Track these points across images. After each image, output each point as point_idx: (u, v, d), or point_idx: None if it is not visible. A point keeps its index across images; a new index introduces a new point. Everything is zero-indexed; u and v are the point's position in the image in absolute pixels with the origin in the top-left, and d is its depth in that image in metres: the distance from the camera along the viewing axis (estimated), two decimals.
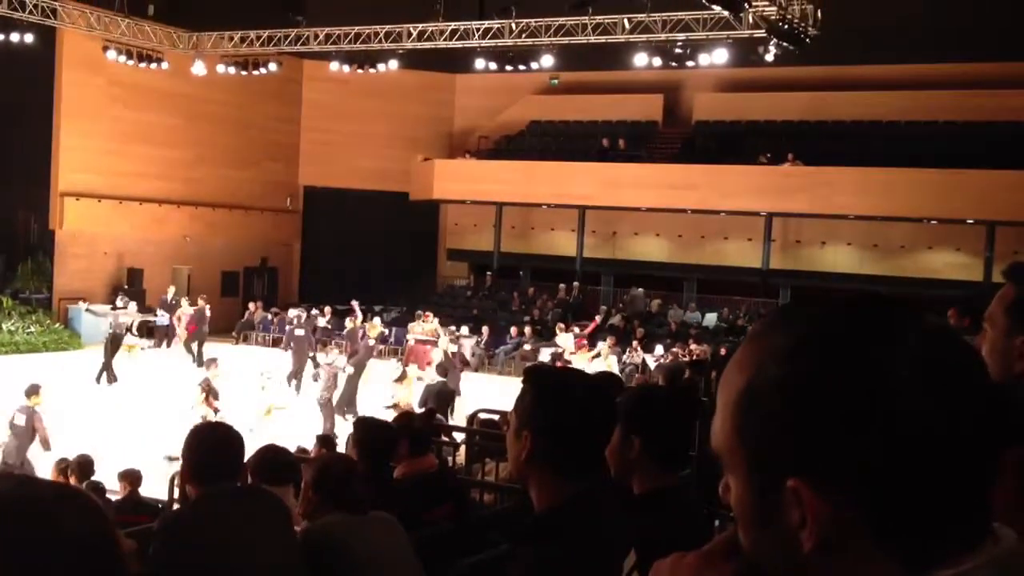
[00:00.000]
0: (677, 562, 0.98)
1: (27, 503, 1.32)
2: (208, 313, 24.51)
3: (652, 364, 21.14)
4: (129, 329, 22.75)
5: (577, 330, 24.42)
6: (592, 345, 22.91)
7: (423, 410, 11.67)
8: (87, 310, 24.87)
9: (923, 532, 0.87)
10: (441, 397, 13.97)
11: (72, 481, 9.02)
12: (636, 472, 2.87)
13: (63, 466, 9.89)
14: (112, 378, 20.83)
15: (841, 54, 25.76)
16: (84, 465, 9.71)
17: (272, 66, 27.89)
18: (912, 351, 0.89)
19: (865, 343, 0.89)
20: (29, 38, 23.98)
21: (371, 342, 19.90)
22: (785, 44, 21.25)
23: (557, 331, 24.08)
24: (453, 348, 20.06)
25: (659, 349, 22.70)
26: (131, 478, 9.29)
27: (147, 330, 25.42)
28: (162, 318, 25.29)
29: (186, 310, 24.48)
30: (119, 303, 24.09)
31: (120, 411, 17.80)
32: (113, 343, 21.23)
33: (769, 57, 21.97)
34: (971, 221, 24.82)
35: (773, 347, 0.92)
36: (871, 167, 24.94)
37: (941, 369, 0.89)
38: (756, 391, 0.92)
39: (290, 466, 5.05)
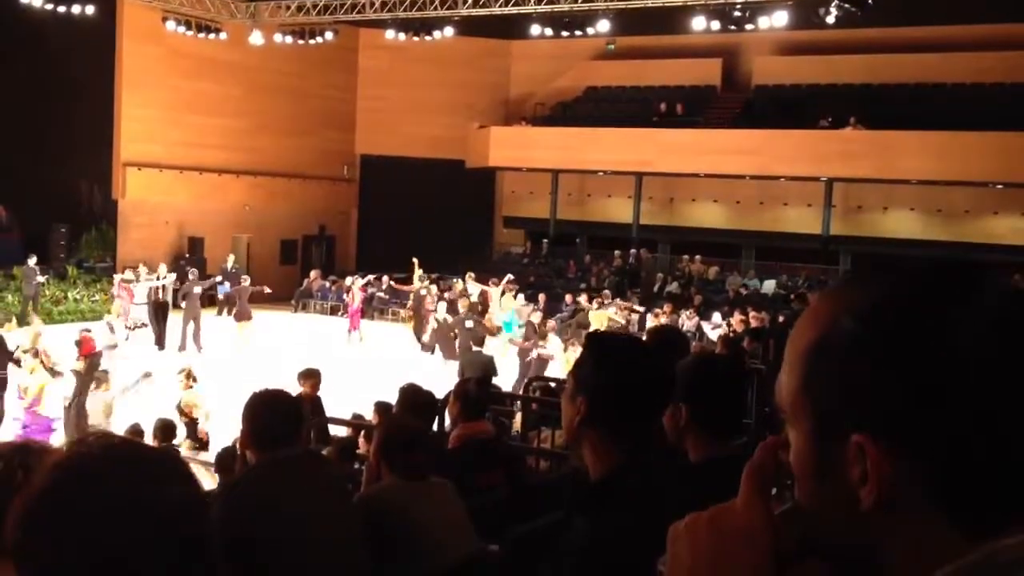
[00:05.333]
0: (694, 521, 0.96)
1: (134, 462, 1.35)
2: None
3: (709, 330, 20.98)
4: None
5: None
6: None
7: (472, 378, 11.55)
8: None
9: (987, 499, 0.85)
10: (478, 367, 13.62)
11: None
12: (688, 440, 2.87)
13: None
14: (162, 344, 21.34)
15: (903, 15, 25.20)
16: (166, 429, 9.91)
17: (328, 35, 27.94)
18: (991, 315, 0.86)
19: (944, 306, 0.87)
20: (90, 10, 24.29)
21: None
22: (846, 5, 20.85)
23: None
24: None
25: (716, 316, 22.52)
26: (164, 431, 9.57)
27: (209, 299, 25.71)
28: (223, 287, 25.58)
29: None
30: (160, 274, 24.01)
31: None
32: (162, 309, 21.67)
33: (830, 19, 21.54)
34: None
35: (850, 303, 0.91)
36: (934, 130, 24.34)
37: (1018, 334, 0.86)
38: (828, 344, 0.90)
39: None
